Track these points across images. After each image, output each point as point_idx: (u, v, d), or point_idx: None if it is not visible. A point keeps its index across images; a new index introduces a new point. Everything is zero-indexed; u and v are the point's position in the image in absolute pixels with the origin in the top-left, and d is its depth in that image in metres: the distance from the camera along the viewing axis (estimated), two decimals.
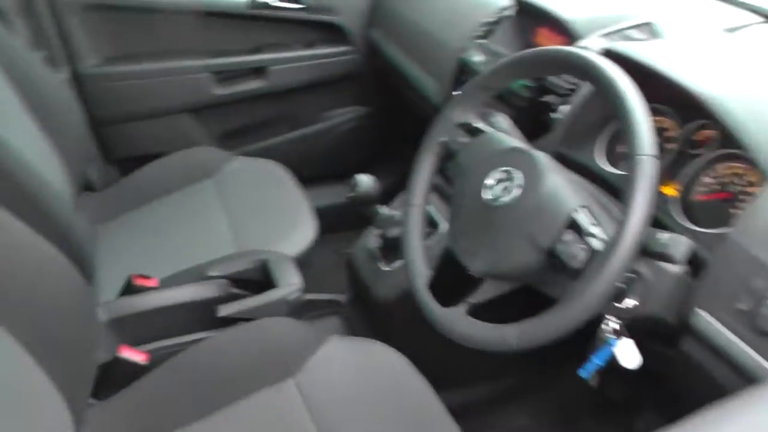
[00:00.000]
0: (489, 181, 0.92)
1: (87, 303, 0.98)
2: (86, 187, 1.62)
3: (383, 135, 2.21)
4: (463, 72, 1.51)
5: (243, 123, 2.01)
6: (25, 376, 0.80)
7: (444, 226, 1.36)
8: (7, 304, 0.79)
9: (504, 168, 0.91)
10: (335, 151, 2.14)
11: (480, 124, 1.04)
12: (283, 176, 1.66)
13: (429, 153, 1.06)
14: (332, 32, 2.00)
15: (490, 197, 0.90)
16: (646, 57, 1.04)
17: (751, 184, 0.93)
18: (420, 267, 1.01)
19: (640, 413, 1.45)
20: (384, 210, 1.35)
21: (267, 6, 1.86)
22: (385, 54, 1.92)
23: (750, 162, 0.91)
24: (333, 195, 2.03)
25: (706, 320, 0.86)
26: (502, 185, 0.90)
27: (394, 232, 1.35)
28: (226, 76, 1.91)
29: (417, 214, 1.05)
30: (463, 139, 1.02)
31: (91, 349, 0.99)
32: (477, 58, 1.46)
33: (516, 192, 0.88)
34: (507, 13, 1.47)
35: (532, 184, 0.88)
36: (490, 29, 1.48)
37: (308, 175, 1.79)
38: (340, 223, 1.84)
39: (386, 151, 2.24)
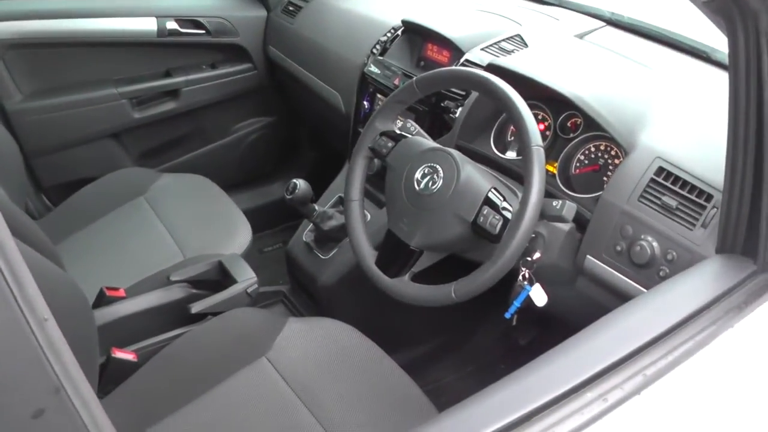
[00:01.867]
0: (418, 176, 1.17)
1: (89, 312, 1.14)
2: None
3: (286, 140, 2.41)
4: (364, 83, 1.75)
5: (162, 141, 2.15)
6: None
7: (371, 216, 1.59)
8: None
9: (428, 164, 1.17)
10: (247, 159, 2.32)
11: (398, 131, 1.29)
12: (209, 186, 1.83)
13: (360, 157, 1.30)
14: (234, 52, 2.18)
15: (422, 188, 1.15)
16: (520, 68, 1.33)
17: (614, 156, 1.24)
18: (367, 249, 1.24)
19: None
20: (318, 207, 1.57)
21: (175, 33, 2.02)
22: (284, 69, 2.12)
23: (611, 140, 1.22)
24: (254, 197, 2.24)
25: (594, 262, 1.16)
26: (428, 178, 1.16)
27: (329, 225, 1.57)
28: (141, 100, 2.04)
29: (357, 208, 1.28)
30: (388, 143, 1.27)
31: (94, 351, 1.15)
32: (376, 70, 1.71)
33: (440, 182, 1.14)
34: (398, 32, 1.73)
35: (451, 174, 1.13)
36: (385, 46, 1.73)
37: (227, 183, 1.96)
38: (264, 222, 2.03)
39: (290, 154, 2.44)
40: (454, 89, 1.48)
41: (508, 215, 1.07)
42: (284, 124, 2.37)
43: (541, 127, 1.36)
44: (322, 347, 1.28)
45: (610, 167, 1.25)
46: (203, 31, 2.08)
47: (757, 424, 0.80)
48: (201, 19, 2.05)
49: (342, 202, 1.62)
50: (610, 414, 0.71)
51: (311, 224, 1.65)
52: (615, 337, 0.82)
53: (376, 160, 1.35)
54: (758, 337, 0.85)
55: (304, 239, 1.69)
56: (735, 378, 0.82)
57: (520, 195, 1.13)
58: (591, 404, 0.71)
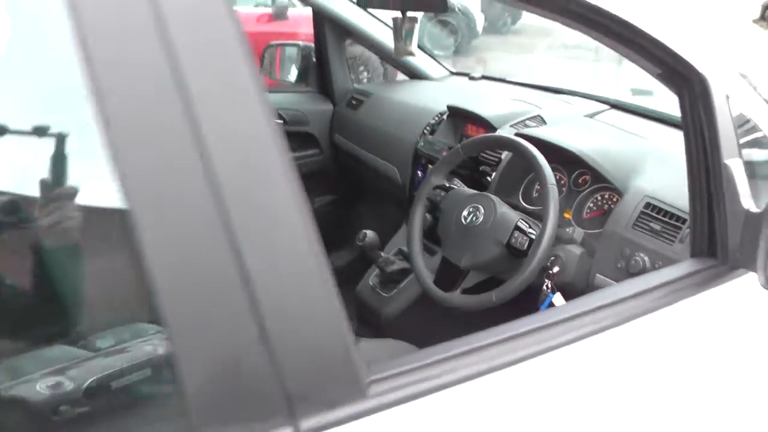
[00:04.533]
0: (465, 213, 1.56)
1: None
2: None
3: (347, 214, 2.83)
4: (417, 157, 2.17)
5: None
6: None
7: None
8: None
9: (472, 205, 1.56)
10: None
11: (448, 185, 1.69)
12: None
13: (420, 205, 1.69)
14: (305, 139, 2.64)
15: (467, 222, 1.54)
16: (540, 135, 1.74)
17: (615, 202, 1.62)
18: (427, 274, 1.62)
19: None
20: (384, 254, 1.97)
21: None
22: (347, 152, 2.57)
23: (612, 189, 1.60)
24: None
25: (602, 279, 1.52)
26: (472, 214, 1.54)
27: (391, 268, 1.96)
28: None
29: (418, 242, 1.67)
30: (441, 193, 1.66)
31: None
32: (427, 147, 2.13)
33: (481, 217, 1.52)
34: (444, 115, 2.16)
35: (490, 211, 1.52)
36: (433, 128, 2.16)
37: None
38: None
39: (349, 226, 2.85)
40: (489, 153, 1.88)
41: (533, 236, 1.45)
42: (345, 200, 2.79)
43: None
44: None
45: (612, 209, 1.62)
46: (282, 121, 2.55)
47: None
48: (281, 111, 2.53)
49: (401, 253, 2.02)
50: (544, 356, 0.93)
51: (377, 269, 2.03)
52: (573, 305, 1.10)
53: (428, 216, 1.74)
54: (706, 312, 1.18)
55: (369, 282, 2.07)
56: (673, 345, 1.14)
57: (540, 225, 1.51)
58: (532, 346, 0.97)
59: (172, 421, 0.75)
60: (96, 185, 0.69)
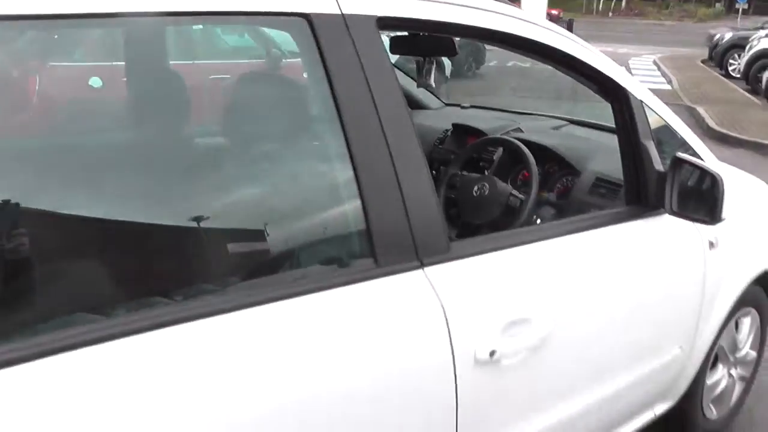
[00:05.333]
0: (475, 189, 2.29)
1: None
2: None
3: None
4: (431, 162, 2.90)
5: None
6: None
7: None
8: None
9: (480, 183, 2.29)
10: None
11: (461, 173, 2.43)
12: None
13: (442, 188, 2.42)
14: None
15: (478, 194, 2.27)
16: (524, 137, 2.50)
17: (574, 180, 2.37)
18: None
19: None
20: None
21: None
22: None
23: (573, 173, 2.35)
24: None
25: None
26: (481, 189, 2.27)
27: None
28: None
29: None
30: (457, 179, 2.40)
31: None
32: (438, 155, 2.87)
33: (487, 190, 2.25)
34: (449, 132, 2.92)
35: (493, 185, 2.25)
36: (442, 141, 2.91)
37: None
38: None
39: None
40: (486, 152, 2.62)
41: (522, 200, 2.19)
42: None
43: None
44: None
45: (575, 184, 2.38)
46: None
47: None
48: None
49: None
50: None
51: None
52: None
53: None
54: (637, 231, 1.92)
55: None
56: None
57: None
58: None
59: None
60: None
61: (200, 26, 1.95)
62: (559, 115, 2.94)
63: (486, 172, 2.59)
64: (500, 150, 2.54)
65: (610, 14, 43.05)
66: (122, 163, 1.30)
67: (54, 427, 0.94)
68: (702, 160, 2.03)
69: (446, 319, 1.36)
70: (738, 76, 14.71)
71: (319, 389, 1.19)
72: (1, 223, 1.03)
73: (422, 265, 1.37)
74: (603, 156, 2.38)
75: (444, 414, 1.39)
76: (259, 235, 1.32)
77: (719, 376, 2.60)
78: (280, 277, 1.32)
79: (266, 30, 1.85)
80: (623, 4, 56.05)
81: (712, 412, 2.65)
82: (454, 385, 1.39)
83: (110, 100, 2.02)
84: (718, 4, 55.11)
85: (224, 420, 1.08)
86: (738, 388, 2.77)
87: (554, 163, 2.46)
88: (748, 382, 2.83)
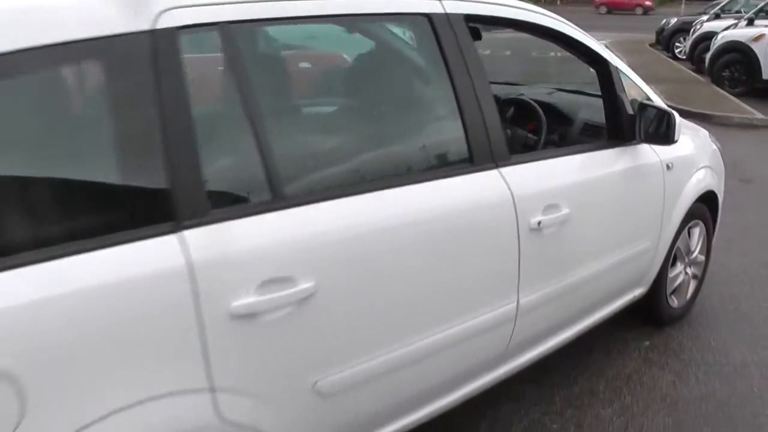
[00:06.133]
0: None
1: None
2: None
3: None
4: None
5: None
6: None
7: None
8: None
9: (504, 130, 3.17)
10: None
11: None
12: None
13: None
14: None
15: None
16: (529, 98, 3.39)
17: (568, 127, 3.27)
18: None
19: None
20: None
21: None
22: None
23: (568, 122, 3.26)
24: None
25: None
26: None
27: None
28: None
29: None
30: None
31: None
32: None
33: (509, 133, 3.12)
34: None
35: (514, 131, 3.13)
36: None
37: None
38: None
39: None
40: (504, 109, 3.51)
41: (535, 139, 3.07)
42: None
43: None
44: None
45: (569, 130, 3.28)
46: None
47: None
48: None
49: None
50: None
51: None
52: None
53: None
54: (617, 156, 2.82)
55: None
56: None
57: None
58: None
59: None
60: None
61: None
62: (547, 85, 3.84)
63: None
64: (512, 109, 3.42)
65: (558, 2, 44.57)
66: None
67: None
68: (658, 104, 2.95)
69: (514, 202, 2.23)
70: (683, 57, 15.93)
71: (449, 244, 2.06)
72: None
73: (497, 167, 2.24)
74: (586, 109, 3.29)
75: (512, 260, 2.27)
76: (416, 145, 2.19)
77: (678, 271, 3.53)
78: (426, 167, 2.17)
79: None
80: None
81: (674, 302, 3.59)
82: (518, 242, 2.26)
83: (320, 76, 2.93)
84: None
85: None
86: (692, 285, 3.72)
87: (552, 116, 3.34)
88: (699, 280, 3.79)
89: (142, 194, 1.51)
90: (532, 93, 3.61)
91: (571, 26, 2.69)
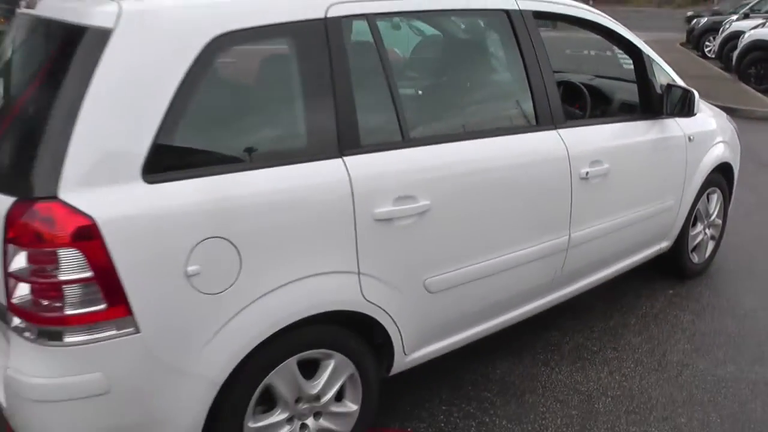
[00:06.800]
0: None
1: None
2: None
3: None
4: None
5: None
6: None
7: None
8: None
9: None
10: None
11: None
12: None
13: None
14: None
15: None
16: (577, 81, 4.04)
17: (608, 106, 3.93)
18: None
19: None
20: None
21: None
22: None
23: (608, 102, 3.91)
24: None
25: None
26: None
27: None
28: None
29: None
30: None
31: None
32: None
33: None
34: None
35: (565, 107, 3.79)
36: None
37: None
38: None
39: None
40: None
41: (582, 114, 3.73)
42: None
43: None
44: None
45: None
46: None
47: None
48: None
49: None
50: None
51: None
52: None
53: None
54: (653, 127, 3.47)
55: None
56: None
57: None
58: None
59: None
60: None
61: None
62: (586, 74, 4.49)
63: None
64: (560, 90, 4.05)
65: (591, 2, 44.79)
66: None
67: None
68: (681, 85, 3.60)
69: (568, 156, 2.90)
70: (712, 56, 16.39)
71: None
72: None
73: (556, 128, 2.91)
74: (621, 92, 3.94)
75: (566, 201, 2.93)
76: (498, 108, 2.89)
77: (698, 231, 4.16)
78: (506, 125, 2.87)
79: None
80: None
81: (695, 258, 4.23)
82: (570, 187, 2.93)
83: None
84: None
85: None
86: (711, 245, 4.35)
87: (594, 96, 3.96)
88: (717, 241, 4.42)
89: (323, 131, 2.21)
90: (576, 78, 4.26)
91: (615, 23, 3.35)
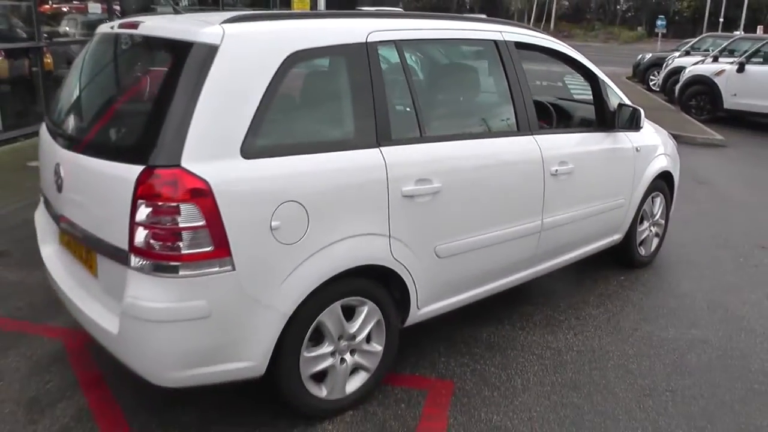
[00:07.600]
0: None
1: None
2: None
3: None
4: None
5: None
6: None
7: None
8: None
9: None
10: None
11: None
12: None
13: None
14: None
15: None
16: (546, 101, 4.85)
17: (569, 122, 4.73)
18: None
19: None
20: None
21: None
22: None
23: (569, 120, 4.71)
24: None
25: None
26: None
27: None
28: None
29: None
30: None
31: None
32: None
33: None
34: None
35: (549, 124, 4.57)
36: None
37: None
38: None
39: None
40: None
41: (547, 127, 4.52)
42: None
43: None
44: None
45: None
46: None
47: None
48: None
49: None
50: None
51: None
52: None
53: None
54: (607, 138, 4.26)
55: None
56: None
57: None
58: None
59: None
60: None
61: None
62: (550, 96, 5.30)
63: None
64: None
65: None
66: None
67: None
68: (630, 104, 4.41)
69: (542, 156, 3.65)
70: (657, 89, 17.67)
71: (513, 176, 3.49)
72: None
73: (532, 134, 3.67)
74: (580, 110, 4.75)
75: (539, 192, 3.68)
76: (489, 116, 3.64)
77: (644, 227, 4.97)
78: (494, 129, 3.62)
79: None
80: (552, 26, 60.02)
81: (642, 251, 5.03)
82: (543, 181, 3.68)
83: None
84: (639, 28, 59.75)
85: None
86: (655, 241, 5.17)
87: (558, 113, 4.75)
88: (661, 238, 5.23)
89: (365, 127, 2.91)
90: (543, 99, 5.06)
91: (577, 53, 4.17)
